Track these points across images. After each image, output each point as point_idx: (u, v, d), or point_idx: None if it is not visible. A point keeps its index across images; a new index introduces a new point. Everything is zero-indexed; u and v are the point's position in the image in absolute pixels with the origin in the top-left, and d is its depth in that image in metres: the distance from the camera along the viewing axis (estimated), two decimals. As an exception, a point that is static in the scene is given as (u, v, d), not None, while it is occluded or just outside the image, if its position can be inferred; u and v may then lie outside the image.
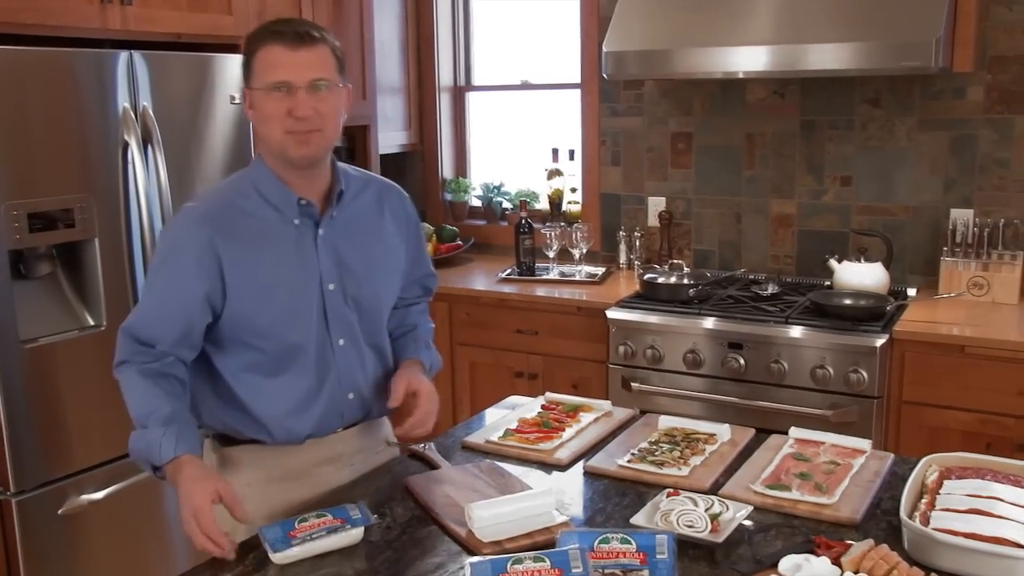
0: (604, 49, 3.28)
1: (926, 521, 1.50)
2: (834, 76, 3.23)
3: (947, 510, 1.53)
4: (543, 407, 2.18)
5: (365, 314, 1.84)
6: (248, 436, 1.78)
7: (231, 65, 2.87)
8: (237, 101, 2.88)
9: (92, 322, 2.53)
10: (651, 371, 3.18)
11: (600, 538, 1.45)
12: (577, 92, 3.96)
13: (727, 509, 1.61)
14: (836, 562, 1.39)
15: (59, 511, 2.49)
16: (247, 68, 1.70)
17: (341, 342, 1.80)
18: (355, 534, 1.56)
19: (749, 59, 3.10)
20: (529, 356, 3.51)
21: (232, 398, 1.76)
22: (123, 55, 2.55)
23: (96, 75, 2.50)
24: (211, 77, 2.82)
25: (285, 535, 1.53)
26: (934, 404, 2.85)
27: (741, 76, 3.26)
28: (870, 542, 1.42)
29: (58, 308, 2.49)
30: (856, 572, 1.35)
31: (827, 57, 2.97)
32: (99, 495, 2.56)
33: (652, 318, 3.18)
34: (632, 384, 3.20)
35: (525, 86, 4.26)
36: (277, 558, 1.50)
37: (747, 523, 1.60)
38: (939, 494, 1.60)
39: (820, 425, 2.65)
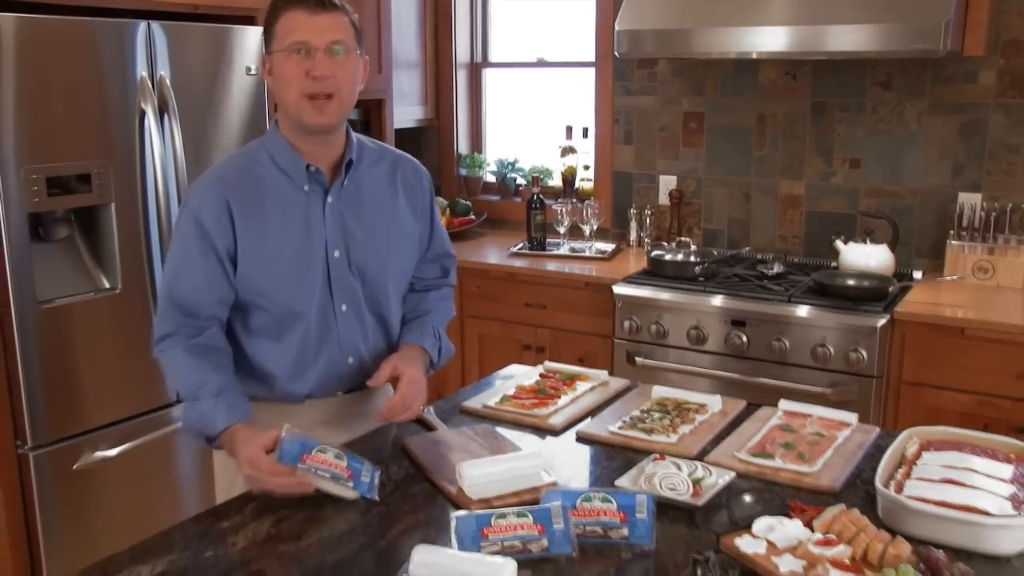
0: (617, 27, 3.31)
1: (900, 490, 1.54)
2: (846, 58, 3.25)
3: (922, 479, 1.57)
4: (541, 375, 2.24)
5: (369, 283, 1.88)
6: (251, 392, 1.84)
7: (248, 36, 2.93)
8: (253, 72, 2.94)
9: (107, 284, 2.61)
10: (655, 346, 3.23)
11: (582, 497, 1.51)
12: (591, 70, 3.99)
13: (710, 474, 1.66)
14: (808, 525, 1.44)
15: (74, 466, 2.58)
16: (268, 33, 1.75)
17: (344, 308, 1.86)
18: (352, 494, 1.60)
19: (763, 39, 3.12)
20: (537, 329, 3.56)
21: (238, 353, 1.83)
22: (142, 25, 2.62)
23: (115, 44, 2.56)
24: (228, 48, 2.88)
25: (299, 455, 1.56)
26: (933, 385, 2.88)
27: (755, 56, 3.28)
28: (841, 506, 1.47)
29: (75, 270, 2.57)
30: (826, 534, 1.39)
31: (839, 39, 2.99)
32: (112, 452, 2.65)
33: (658, 294, 3.23)
34: (637, 359, 3.25)
35: (541, 63, 4.29)
36: None
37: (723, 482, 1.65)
38: (916, 465, 1.64)
39: (820, 402, 2.68)
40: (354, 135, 1.88)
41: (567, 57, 4.19)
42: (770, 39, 3.11)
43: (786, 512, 1.51)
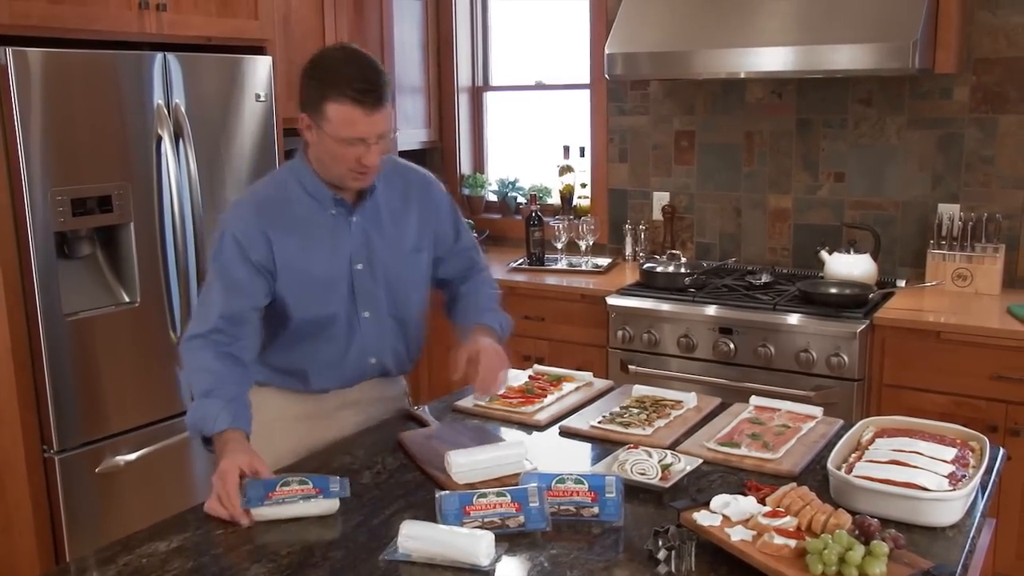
0: (606, 51, 3.48)
1: (851, 471, 1.68)
2: (828, 77, 3.40)
3: (871, 461, 1.71)
4: (530, 377, 2.39)
5: (390, 290, 2.07)
6: (285, 385, 2.06)
7: (257, 65, 3.11)
8: (262, 99, 3.13)
9: (127, 299, 2.79)
10: (648, 355, 3.38)
11: (557, 479, 1.66)
12: (587, 92, 4.16)
13: (678, 461, 1.80)
14: (762, 502, 1.58)
15: (96, 470, 2.75)
16: (314, 104, 1.83)
17: (366, 314, 2.05)
18: (327, 504, 1.66)
19: (750, 60, 3.28)
20: (536, 341, 3.71)
21: (275, 353, 2.02)
22: (158, 56, 2.81)
23: (134, 75, 2.75)
24: (239, 76, 3.06)
25: (264, 494, 1.64)
26: (912, 387, 3.01)
27: (743, 76, 3.44)
28: (793, 485, 1.61)
29: (97, 285, 2.75)
30: (775, 507, 1.53)
31: (822, 58, 3.14)
32: (132, 456, 2.81)
33: (649, 305, 3.37)
34: (630, 367, 3.39)
35: (539, 86, 4.47)
36: (252, 513, 1.63)
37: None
38: (868, 449, 1.78)
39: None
40: None
41: (564, 80, 4.37)
42: (757, 59, 3.26)
43: (742, 491, 1.65)
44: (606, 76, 3.53)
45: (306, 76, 1.87)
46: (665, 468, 1.77)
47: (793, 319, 3.11)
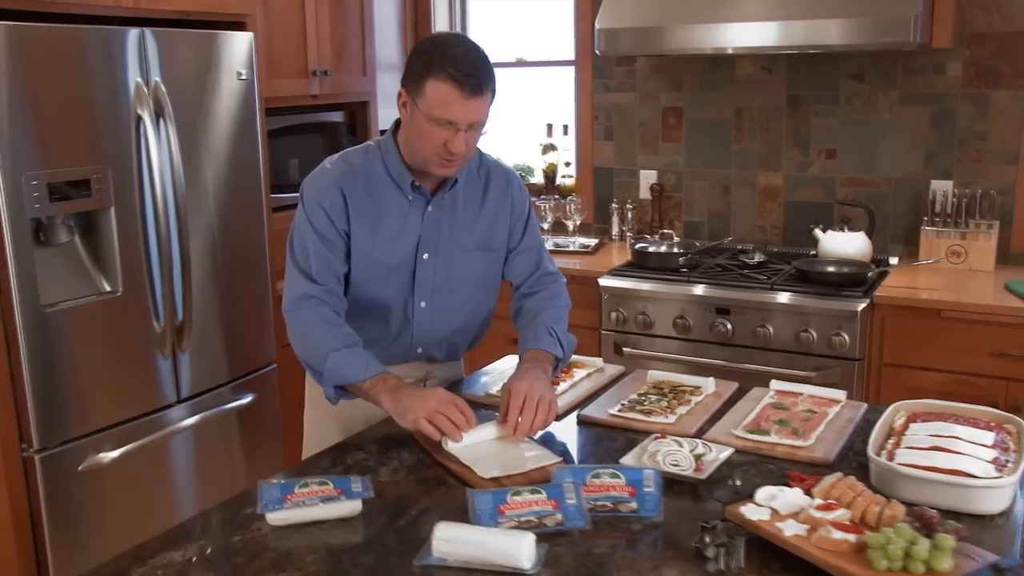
0: (597, 26, 3.39)
1: (891, 458, 1.63)
2: (820, 52, 3.35)
3: (911, 448, 1.66)
4: (539, 364, 2.31)
5: (452, 285, 2.05)
6: None
7: (238, 41, 2.97)
8: (244, 77, 2.99)
9: (108, 288, 2.65)
10: (642, 336, 3.32)
11: (592, 473, 1.59)
12: (571, 69, 4.07)
13: (710, 450, 1.74)
14: (808, 493, 1.52)
15: (79, 468, 2.61)
16: (415, 80, 1.83)
17: (422, 304, 2.04)
18: (350, 506, 1.56)
19: (738, 35, 3.21)
20: (525, 324, 3.63)
21: None
22: (134, 32, 2.66)
23: (108, 51, 2.60)
24: (218, 54, 2.92)
25: (281, 497, 1.55)
26: (912, 366, 2.99)
27: (731, 52, 3.38)
28: (839, 474, 1.55)
29: (76, 274, 2.61)
30: (825, 499, 1.48)
31: (813, 33, 3.09)
32: (116, 453, 2.68)
33: (643, 285, 3.31)
34: (624, 349, 3.33)
35: (520, 63, 4.37)
36: (268, 518, 1.54)
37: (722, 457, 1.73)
38: (904, 435, 1.73)
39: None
40: None
41: (546, 56, 4.27)
42: (746, 35, 3.20)
43: (785, 482, 1.60)
44: (597, 52, 3.44)
45: (414, 52, 1.87)
46: (698, 458, 1.71)
47: (792, 298, 3.07)
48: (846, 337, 2.97)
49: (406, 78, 1.87)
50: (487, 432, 1.83)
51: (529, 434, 1.82)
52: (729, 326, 3.15)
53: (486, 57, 1.86)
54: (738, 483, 1.63)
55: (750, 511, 1.47)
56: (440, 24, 4.37)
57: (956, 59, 3.32)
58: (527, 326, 2.09)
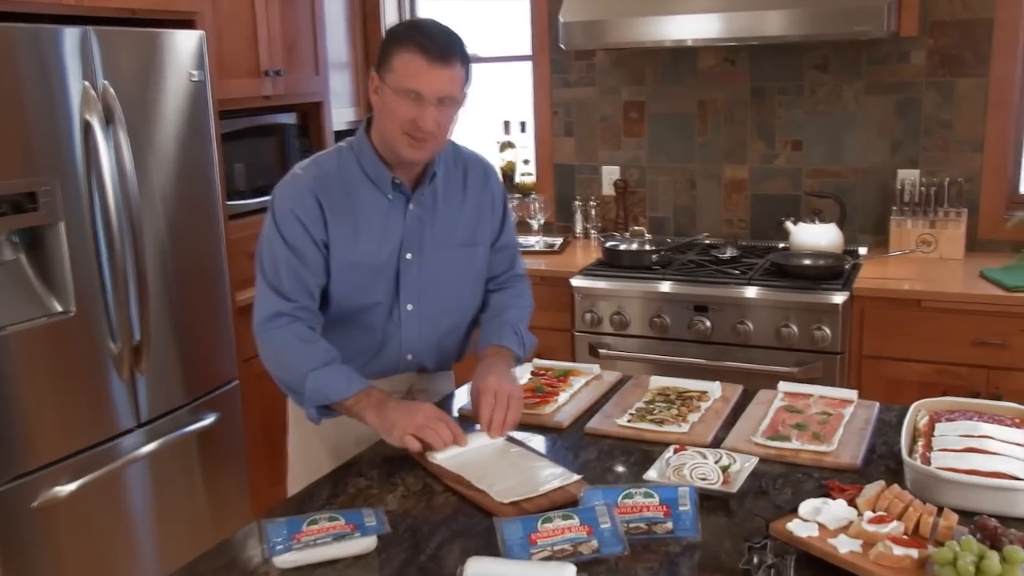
0: (561, 19, 3.29)
1: (927, 461, 1.57)
2: (784, 43, 3.31)
3: (945, 450, 1.60)
4: (533, 373, 2.21)
5: (438, 284, 1.97)
6: None
7: (187, 41, 2.79)
8: (196, 78, 2.82)
9: (59, 308, 2.45)
10: (618, 337, 3.23)
11: (624, 494, 1.49)
12: (527, 64, 3.97)
13: (735, 461, 1.66)
14: (852, 504, 1.44)
15: (32, 504, 2.41)
16: (384, 58, 1.79)
17: (409, 307, 1.95)
18: (365, 543, 1.44)
19: (698, 27, 3.15)
20: (494, 328, 3.51)
21: None
22: (75, 31, 2.45)
23: (51, 52, 2.39)
24: (168, 54, 2.74)
25: (289, 537, 1.41)
26: (892, 357, 2.96)
27: (690, 44, 3.32)
28: (881, 483, 1.48)
29: (24, 295, 2.40)
30: (874, 511, 1.40)
31: (778, 23, 3.04)
32: (72, 486, 2.48)
33: (616, 285, 3.23)
34: (600, 351, 3.24)
35: (474, 59, 4.23)
36: (276, 562, 1.40)
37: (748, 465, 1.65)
38: (933, 436, 1.67)
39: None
40: None
41: (501, 52, 4.15)
42: (706, 26, 3.14)
43: (825, 492, 1.52)
44: (561, 46, 3.35)
45: (386, 34, 1.84)
46: (724, 470, 1.62)
47: (771, 293, 3.02)
48: (827, 331, 2.93)
49: (377, 61, 1.82)
50: (472, 442, 1.76)
51: (503, 431, 1.79)
52: (708, 323, 3.08)
53: (454, 32, 1.81)
54: (776, 496, 1.55)
55: (797, 527, 1.39)
56: (390, 21, 4.22)
57: (920, 48, 3.31)
58: (491, 321, 2.04)
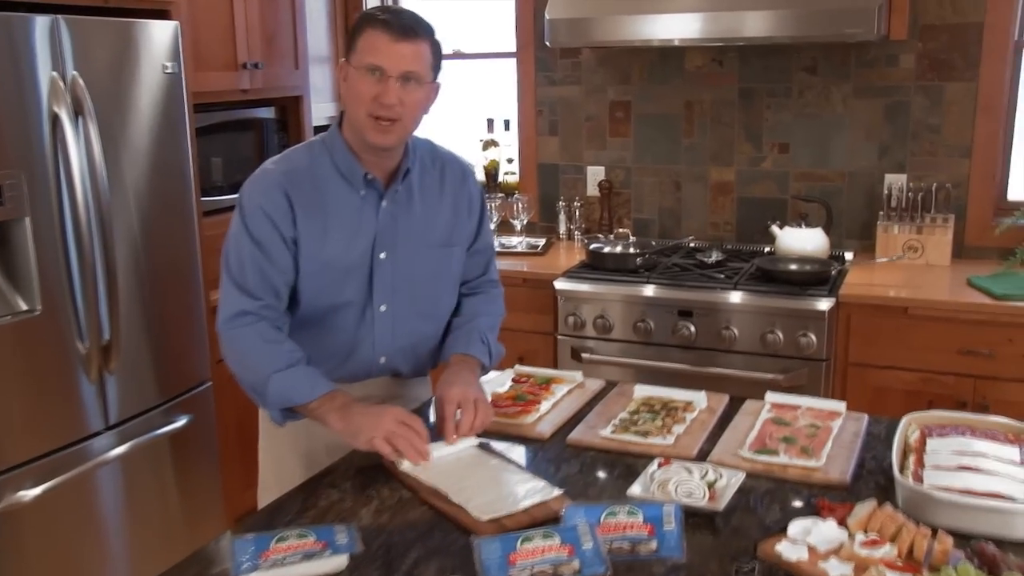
0: (547, 16, 3.23)
1: (918, 479, 1.52)
2: (773, 44, 3.26)
3: (937, 468, 1.55)
4: (514, 380, 2.15)
5: (413, 285, 1.91)
6: None
7: (161, 31, 2.71)
8: (169, 70, 2.73)
9: (25, 306, 2.37)
10: (601, 341, 3.18)
11: (607, 511, 1.43)
12: (511, 61, 3.91)
13: (721, 476, 1.60)
14: (842, 523, 1.39)
15: (-5, 510, 2.34)
16: (352, 41, 1.77)
17: (382, 308, 1.89)
18: (335, 562, 1.38)
19: (685, 26, 3.10)
20: (474, 330, 3.45)
21: None
22: (44, 20, 2.37)
23: (18, 41, 2.31)
24: (141, 45, 2.65)
25: (257, 555, 1.35)
26: (878, 365, 2.92)
27: (677, 44, 3.27)
28: (873, 503, 1.43)
29: (-13, 293, 2.32)
30: (865, 532, 1.35)
31: (766, 24, 2.99)
32: (36, 491, 2.40)
33: (600, 288, 3.18)
34: (583, 355, 3.19)
35: (457, 55, 4.18)
36: None
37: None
38: (925, 452, 1.62)
39: (772, 389, 2.68)
40: (412, 140, 1.89)
41: (485, 48, 4.09)
42: (694, 26, 3.09)
43: (813, 511, 1.47)
44: (547, 43, 3.29)
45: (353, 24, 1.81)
46: (710, 486, 1.57)
47: (756, 299, 2.98)
48: (813, 337, 2.89)
49: (345, 49, 1.80)
50: (442, 449, 1.72)
51: (468, 434, 1.75)
52: (692, 328, 3.03)
53: (428, 23, 1.79)
54: (763, 514, 1.50)
55: (786, 549, 1.34)
56: (372, 14, 4.15)
57: (909, 51, 3.27)
58: (460, 328, 2.00)
